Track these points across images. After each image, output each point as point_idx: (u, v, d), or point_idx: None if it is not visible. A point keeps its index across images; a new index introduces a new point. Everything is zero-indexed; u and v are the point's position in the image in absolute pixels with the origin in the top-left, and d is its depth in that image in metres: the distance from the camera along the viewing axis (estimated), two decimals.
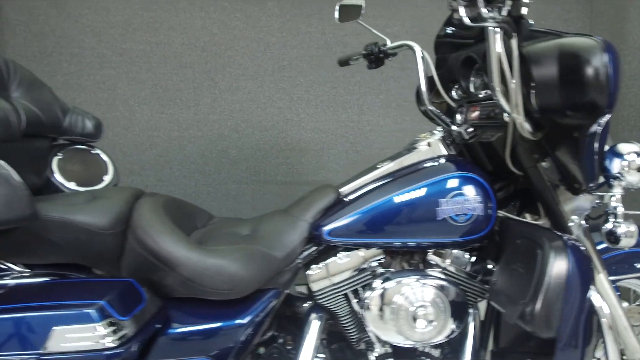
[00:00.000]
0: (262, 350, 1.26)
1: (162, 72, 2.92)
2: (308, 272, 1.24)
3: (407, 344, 1.21)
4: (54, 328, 0.91)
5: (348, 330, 1.30)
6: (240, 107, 3.01)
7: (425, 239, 1.20)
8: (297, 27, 2.98)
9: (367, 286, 1.24)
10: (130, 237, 1.09)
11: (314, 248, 1.26)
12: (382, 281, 1.20)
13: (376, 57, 1.60)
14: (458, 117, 1.41)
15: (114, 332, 0.93)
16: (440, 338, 1.21)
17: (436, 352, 1.31)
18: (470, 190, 1.19)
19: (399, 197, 1.19)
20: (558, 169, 1.12)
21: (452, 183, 1.19)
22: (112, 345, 0.93)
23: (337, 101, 3.06)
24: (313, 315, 1.25)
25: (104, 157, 1.52)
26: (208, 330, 1.11)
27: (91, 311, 0.93)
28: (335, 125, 3.08)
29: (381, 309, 1.18)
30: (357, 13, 1.55)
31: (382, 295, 1.18)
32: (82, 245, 1.07)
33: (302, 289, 1.42)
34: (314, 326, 1.24)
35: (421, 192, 1.19)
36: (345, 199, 1.28)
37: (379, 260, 1.26)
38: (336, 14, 1.58)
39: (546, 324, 1.04)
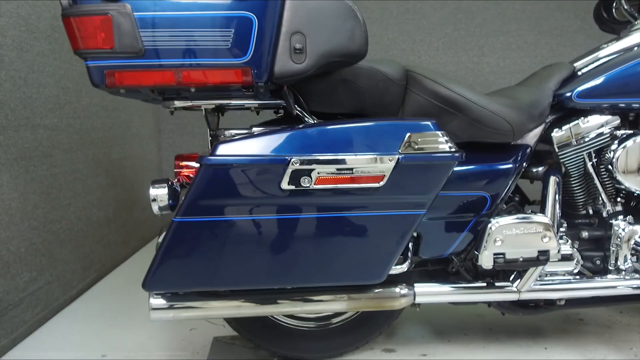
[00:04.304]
0: (504, 205, 1.41)
1: None
2: (553, 133, 1.37)
3: None
4: (408, 134, 1.08)
5: (577, 192, 1.42)
6: None
7: None
8: None
9: (606, 148, 1.38)
10: (414, 89, 1.24)
11: (556, 115, 1.40)
12: (626, 137, 1.34)
13: None
14: None
15: (450, 142, 1.10)
16: None
17: None
18: None
19: None
20: None
21: None
22: (453, 150, 1.09)
23: (458, 43, 3.17)
24: (552, 177, 1.39)
25: None
26: (488, 170, 1.26)
27: (430, 123, 1.10)
28: (456, 67, 3.20)
29: (634, 160, 1.31)
30: None
31: (633, 148, 1.31)
32: (379, 93, 1.22)
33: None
34: (553, 182, 1.37)
35: None
36: (579, 72, 1.41)
37: (615, 125, 1.39)
38: None
39: None
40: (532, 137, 1.36)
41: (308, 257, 1.09)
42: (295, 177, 1.04)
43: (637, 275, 1.37)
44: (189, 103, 1.20)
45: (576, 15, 3.12)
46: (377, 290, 1.23)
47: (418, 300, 1.27)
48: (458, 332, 1.64)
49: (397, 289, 1.24)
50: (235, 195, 1.04)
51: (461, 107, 1.23)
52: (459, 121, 1.24)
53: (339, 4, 1.08)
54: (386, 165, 1.06)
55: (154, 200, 1.13)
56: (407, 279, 1.32)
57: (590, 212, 1.45)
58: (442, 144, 1.09)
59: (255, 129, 1.23)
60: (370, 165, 1.06)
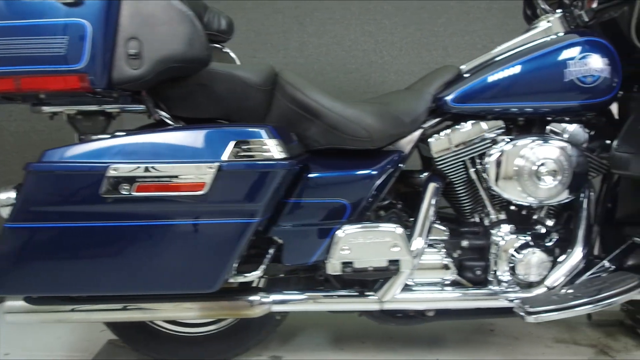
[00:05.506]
0: (382, 213, 1.37)
1: (254, 17, 3.08)
2: (430, 139, 1.33)
3: (528, 201, 1.28)
4: (231, 141, 1.06)
5: (462, 200, 1.36)
6: (326, 50, 3.12)
7: (550, 102, 1.25)
8: None
9: (487, 153, 1.32)
10: (278, 94, 1.23)
11: (436, 119, 1.35)
12: (505, 142, 1.28)
13: None
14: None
15: (280, 149, 1.08)
16: (558, 199, 1.27)
17: (550, 222, 1.37)
18: (598, 53, 1.23)
19: (526, 62, 1.26)
20: None
21: (581, 46, 1.23)
22: (281, 157, 1.07)
23: (422, 43, 3.10)
24: (431, 184, 1.34)
25: (233, 55, 1.70)
26: (345, 177, 1.23)
27: (261, 130, 1.08)
28: (419, 67, 3.12)
29: (506, 167, 1.25)
30: None
31: (507, 153, 1.25)
32: (239, 98, 1.21)
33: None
34: (431, 189, 1.32)
35: (549, 55, 1.24)
36: (465, 75, 1.36)
37: (499, 130, 1.33)
38: None
39: None
40: (406, 143, 1.32)
41: (136, 265, 1.09)
42: (114, 184, 1.04)
43: (517, 288, 1.32)
44: (54, 109, 1.22)
45: None
46: (230, 298, 1.22)
47: (275, 308, 1.25)
48: (355, 340, 1.60)
49: (252, 297, 1.22)
50: (61, 202, 1.05)
51: (316, 113, 1.21)
52: (317, 127, 1.23)
53: (175, 11, 1.08)
54: (207, 172, 1.05)
55: (1, 205, 1.14)
56: (282, 286, 1.31)
57: (478, 220, 1.40)
58: (271, 151, 1.07)
59: (119, 134, 1.24)
60: (190, 172, 1.05)
